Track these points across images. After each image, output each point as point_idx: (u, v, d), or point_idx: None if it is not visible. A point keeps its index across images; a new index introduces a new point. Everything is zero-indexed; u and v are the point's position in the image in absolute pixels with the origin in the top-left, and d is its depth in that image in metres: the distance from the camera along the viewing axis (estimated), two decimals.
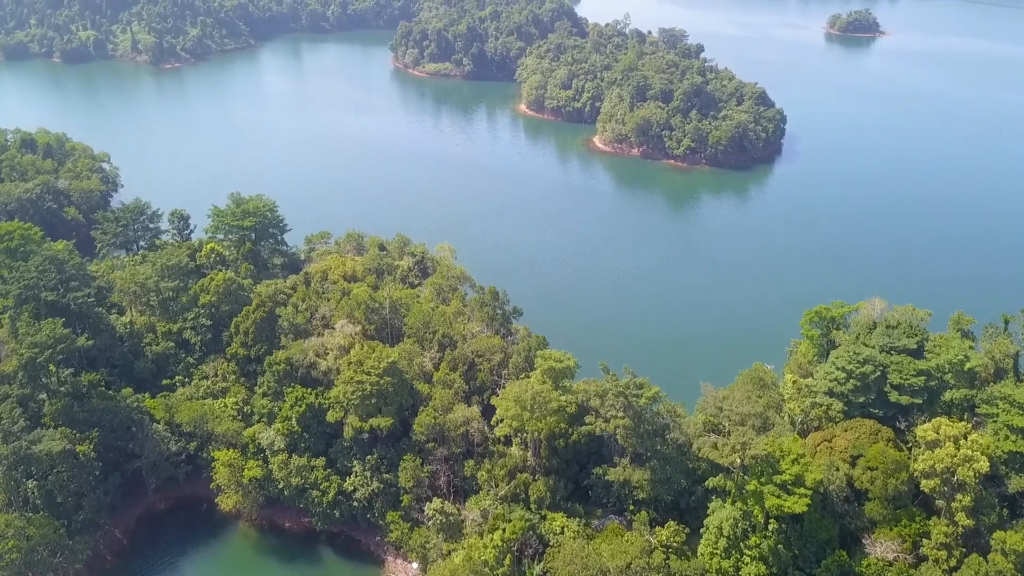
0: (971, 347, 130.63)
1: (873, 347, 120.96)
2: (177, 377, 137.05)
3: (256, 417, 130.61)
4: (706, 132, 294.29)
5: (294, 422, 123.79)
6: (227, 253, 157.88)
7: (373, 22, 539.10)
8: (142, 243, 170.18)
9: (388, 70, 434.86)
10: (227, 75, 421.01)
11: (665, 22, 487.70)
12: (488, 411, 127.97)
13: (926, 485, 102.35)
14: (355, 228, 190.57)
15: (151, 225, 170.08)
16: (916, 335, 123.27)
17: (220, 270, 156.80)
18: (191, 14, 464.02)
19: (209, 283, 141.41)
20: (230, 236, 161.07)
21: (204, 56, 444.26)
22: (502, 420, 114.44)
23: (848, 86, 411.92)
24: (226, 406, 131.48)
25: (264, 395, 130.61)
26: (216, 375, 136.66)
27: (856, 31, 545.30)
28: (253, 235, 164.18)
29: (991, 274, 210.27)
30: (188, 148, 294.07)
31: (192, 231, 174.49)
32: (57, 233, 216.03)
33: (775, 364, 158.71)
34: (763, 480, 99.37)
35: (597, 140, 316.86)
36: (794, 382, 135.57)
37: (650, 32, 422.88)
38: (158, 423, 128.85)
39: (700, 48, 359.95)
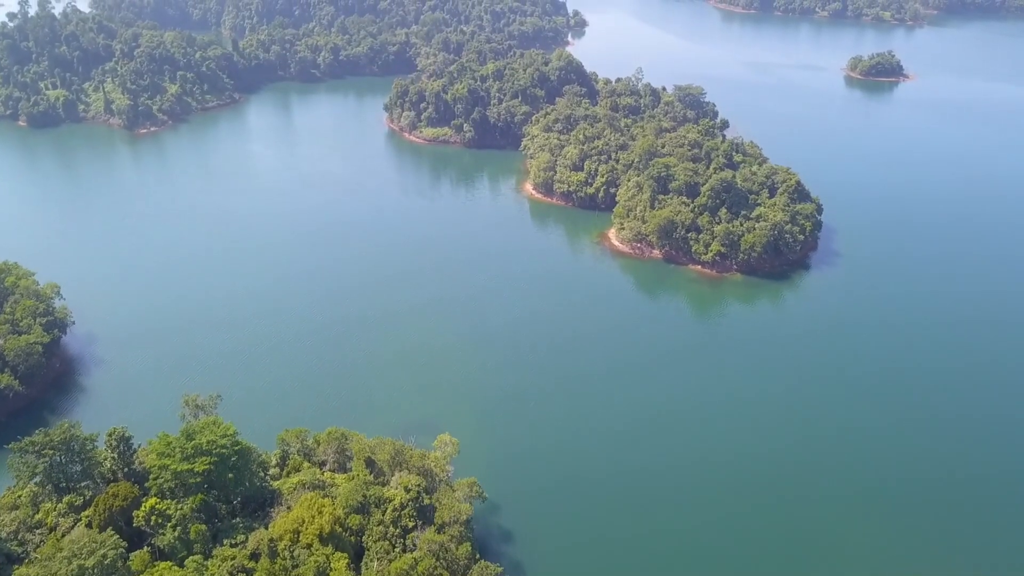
0: None
1: None
2: None
3: None
4: (738, 235, 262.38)
5: None
6: (172, 511, 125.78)
7: (367, 68, 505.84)
8: (75, 471, 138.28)
9: (382, 132, 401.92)
10: (207, 142, 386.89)
11: (677, 69, 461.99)
12: None
13: None
14: (336, 424, 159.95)
15: (85, 451, 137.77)
16: None
17: (162, 533, 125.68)
18: (170, 68, 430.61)
19: None
20: (177, 482, 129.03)
21: (184, 116, 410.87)
22: None
23: (877, 147, 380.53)
24: None
25: None
26: None
27: (878, 75, 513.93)
28: (212, 467, 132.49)
29: None
30: (155, 258, 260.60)
31: (137, 449, 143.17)
32: None
33: None
34: None
35: (613, 236, 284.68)
36: None
37: (664, 88, 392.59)
38: None
39: (725, 124, 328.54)
